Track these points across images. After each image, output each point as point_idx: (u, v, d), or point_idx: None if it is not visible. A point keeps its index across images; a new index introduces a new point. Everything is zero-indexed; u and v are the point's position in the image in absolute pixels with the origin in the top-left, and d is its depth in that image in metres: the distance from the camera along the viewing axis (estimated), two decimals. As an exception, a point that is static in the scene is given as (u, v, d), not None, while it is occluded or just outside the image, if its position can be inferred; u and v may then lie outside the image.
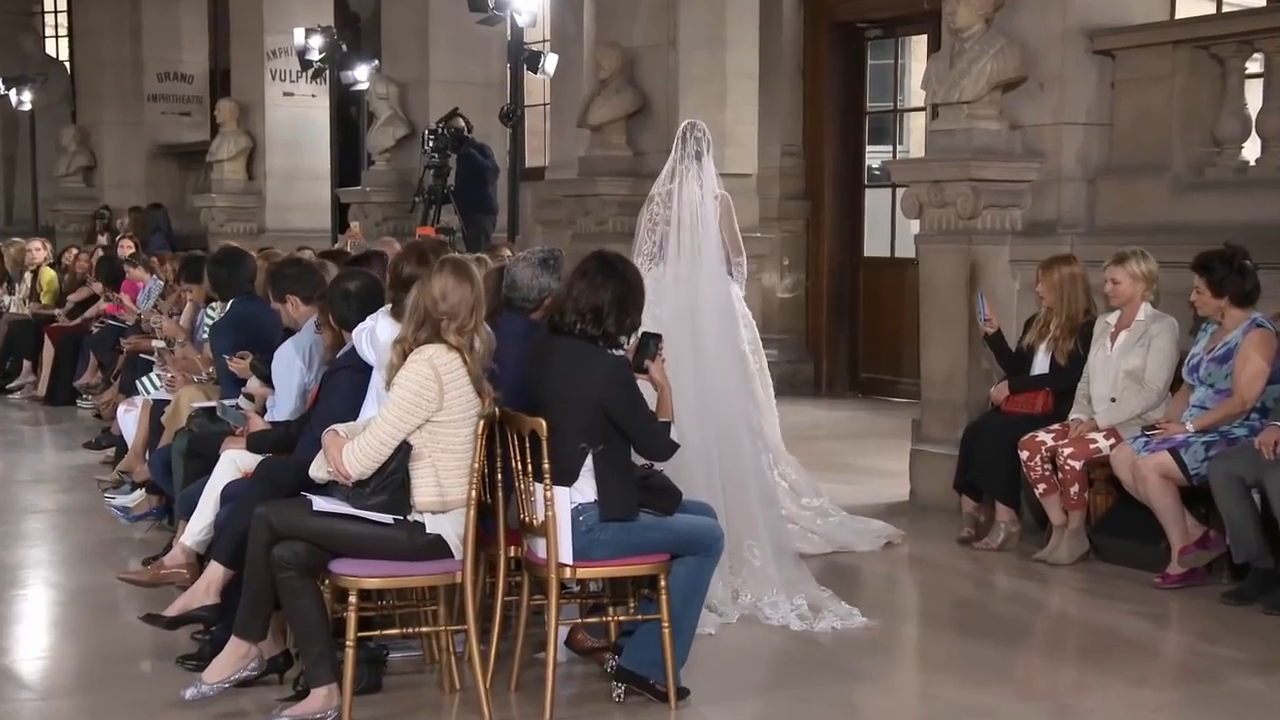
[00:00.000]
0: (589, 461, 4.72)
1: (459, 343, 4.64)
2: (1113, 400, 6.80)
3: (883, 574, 7.04)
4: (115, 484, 8.16)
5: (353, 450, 4.61)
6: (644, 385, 4.86)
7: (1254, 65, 7.75)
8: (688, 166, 6.80)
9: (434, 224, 12.40)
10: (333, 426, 4.76)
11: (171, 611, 5.21)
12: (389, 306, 5.09)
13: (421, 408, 4.60)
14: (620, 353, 4.81)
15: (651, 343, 4.89)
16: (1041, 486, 6.86)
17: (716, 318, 6.46)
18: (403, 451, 4.61)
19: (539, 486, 4.68)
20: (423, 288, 4.66)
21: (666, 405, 4.90)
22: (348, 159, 15.69)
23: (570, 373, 4.74)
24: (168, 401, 7.49)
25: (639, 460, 4.87)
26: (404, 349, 4.65)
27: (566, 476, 4.70)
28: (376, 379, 4.96)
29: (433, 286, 4.65)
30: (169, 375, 7.70)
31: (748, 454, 6.20)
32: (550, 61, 12.54)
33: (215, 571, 5.18)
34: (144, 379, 8.11)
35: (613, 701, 4.86)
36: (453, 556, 4.70)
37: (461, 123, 12.76)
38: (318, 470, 4.72)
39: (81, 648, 5.70)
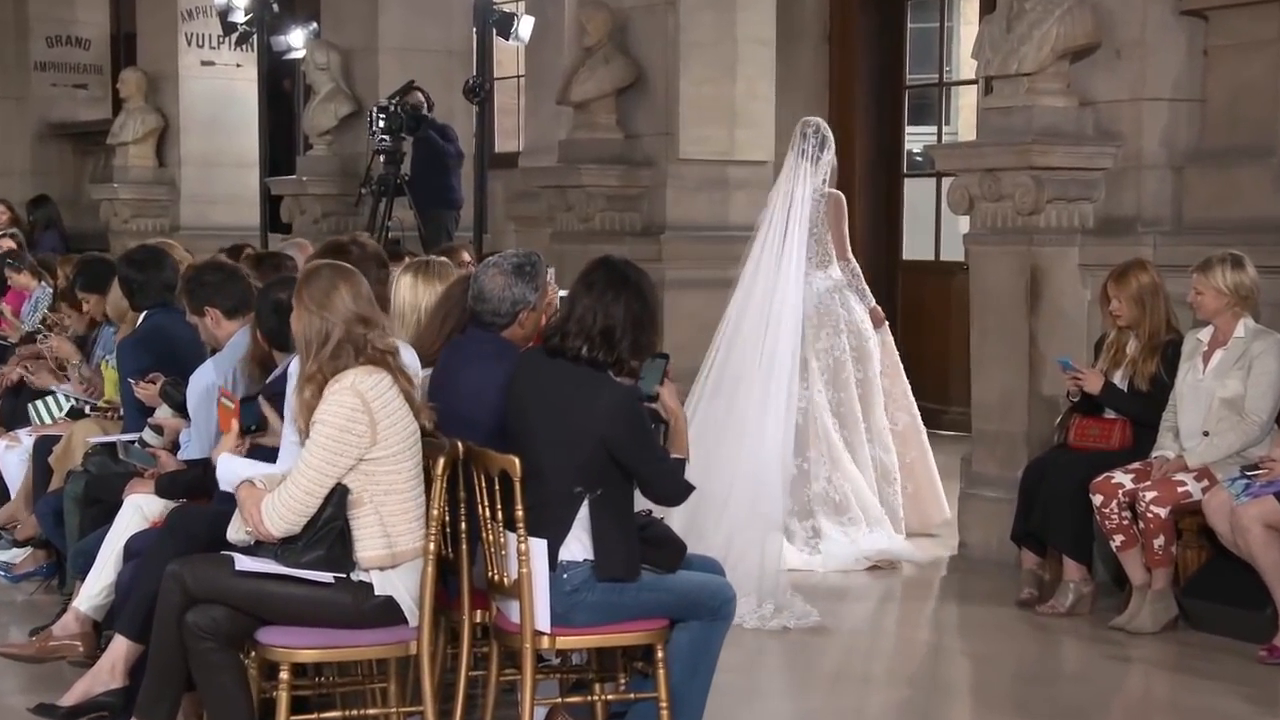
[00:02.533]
0: (584, 510, 4.71)
1: (387, 346, 4.65)
2: (1206, 434, 6.81)
3: (927, 643, 7.03)
4: (-7, 537, 8.14)
5: (273, 504, 4.60)
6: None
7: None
8: (795, 165, 8.27)
9: (385, 220, 12.40)
10: (248, 477, 4.76)
11: (69, 700, 5.18)
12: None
13: (351, 445, 4.59)
14: (629, 381, 4.80)
15: (660, 364, 4.88)
16: (1119, 538, 6.85)
17: (782, 321, 7.70)
18: (338, 495, 4.60)
19: (511, 537, 4.68)
20: (325, 309, 4.64)
21: (681, 439, 4.90)
22: (280, 142, 15.68)
23: (569, 403, 4.73)
24: (58, 438, 7.47)
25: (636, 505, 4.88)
26: (319, 384, 4.65)
27: (557, 526, 4.70)
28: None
29: (338, 303, 4.65)
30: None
31: (773, 456, 7.26)
32: (525, 25, 12.55)
33: (120, 647, 5.16)
34: (40, 403, 8.08)
35: (600, 800, 4.87)
36: (406, 622, 4.69)
37: (420, 98, 12.77)
38: (235, 533, 4.71)
39: (-48, 736, 5.67)
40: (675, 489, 4.85)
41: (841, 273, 8.53)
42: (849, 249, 8.60)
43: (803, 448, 8.02)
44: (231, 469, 4.86)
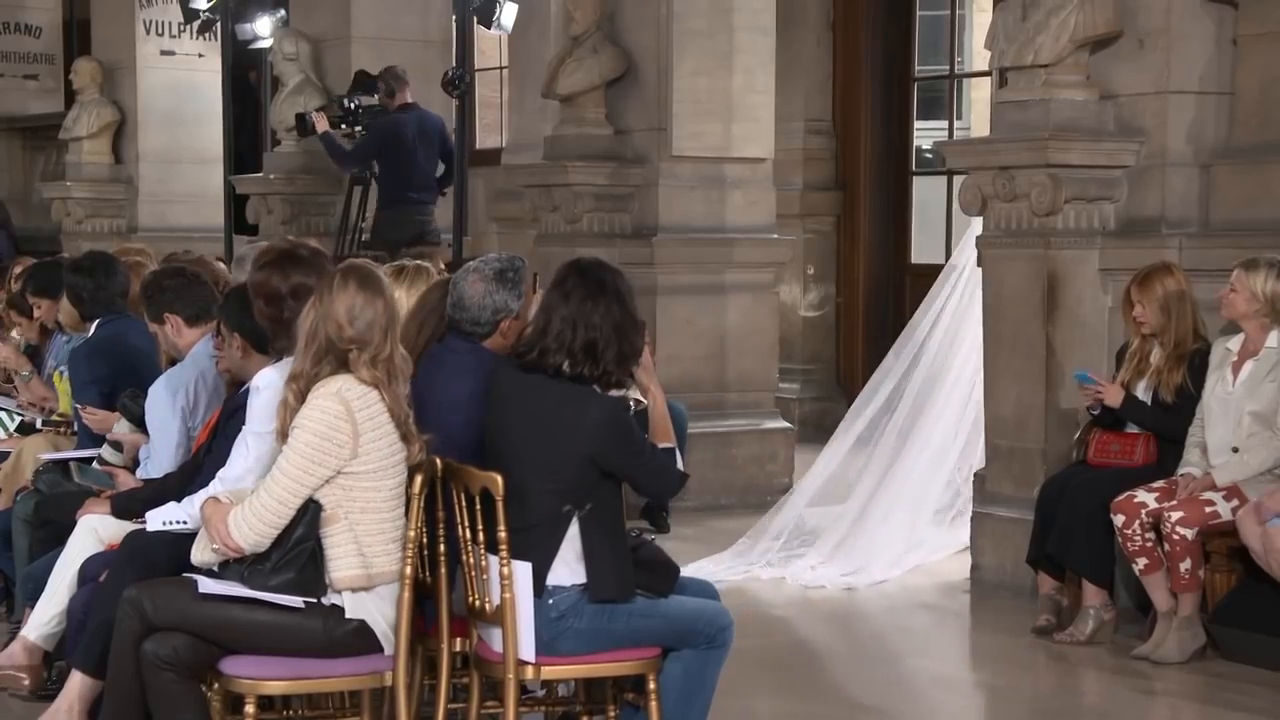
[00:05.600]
0: (573, 529, 4.72)
1: (373, 377, 4.64)
2: (1235, 450, 6.82)
3: (938, 674, 7.03)
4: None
5: (243, 515, 4.60)
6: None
7: None
8: None
9: (359, 221, 12.40)
10: (213, 494, 4.76)
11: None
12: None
13: (330, 454, 4.60)
14: (617, 393, 4.80)
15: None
16: (1142, 561, 6.86)
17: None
18: (310, 513, 4.60)
19: (493, 560, 4.68)
20: (321, 309, 4.65)
21: (663, 424, 4.89)
22: (245, 138, 15.68)
23: (553, 421, 4.72)
24: (5, 454, 7.46)
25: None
26: (300, 388, 4.65)
27: (543, 549, 4.70)
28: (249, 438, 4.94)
29: (335, 307, 4.65)
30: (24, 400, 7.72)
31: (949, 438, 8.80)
32: (508, 13, 12.55)
33: (76, 685, 5.14)
34: (-7, 414, 8.08)
35: (588, 841, 4.88)
36: (381, 650, 4.69)
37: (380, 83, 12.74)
38: (201, 554, 4.71)
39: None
40: (668, 482, 4.87)
41: None
42: None
43: None
44: (161, 512, 4.93)
